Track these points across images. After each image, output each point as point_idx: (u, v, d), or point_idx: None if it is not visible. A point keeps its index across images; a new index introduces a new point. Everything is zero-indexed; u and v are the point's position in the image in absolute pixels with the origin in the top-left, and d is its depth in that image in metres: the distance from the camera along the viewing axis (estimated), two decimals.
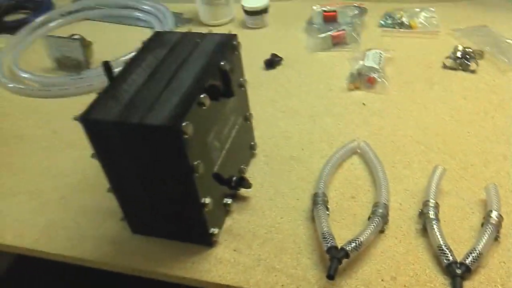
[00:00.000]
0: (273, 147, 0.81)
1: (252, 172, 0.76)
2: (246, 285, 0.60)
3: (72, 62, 1.07)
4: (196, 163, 0.57)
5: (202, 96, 0.57)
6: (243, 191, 0.72)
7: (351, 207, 0.68)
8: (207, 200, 0.61)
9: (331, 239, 0.61)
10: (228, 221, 0.69)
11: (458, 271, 0.57)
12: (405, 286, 0.58)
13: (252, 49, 1.06)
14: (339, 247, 0.59)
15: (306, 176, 0.74)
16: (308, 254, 0.63)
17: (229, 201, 0.69)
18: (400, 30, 1.05)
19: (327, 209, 0.67)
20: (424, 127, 0.80)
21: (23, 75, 1.06)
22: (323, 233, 0.62)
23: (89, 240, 0.69)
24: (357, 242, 0.59)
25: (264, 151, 0.80)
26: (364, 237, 0.60)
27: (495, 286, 0.57)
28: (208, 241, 0.65)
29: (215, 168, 0.63)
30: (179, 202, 0.61)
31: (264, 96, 0.92)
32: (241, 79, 0.70)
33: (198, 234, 0.65)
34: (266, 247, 0.65)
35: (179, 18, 1.25)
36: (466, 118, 0.81)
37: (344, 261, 0.60)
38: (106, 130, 0.56)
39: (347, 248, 0.59)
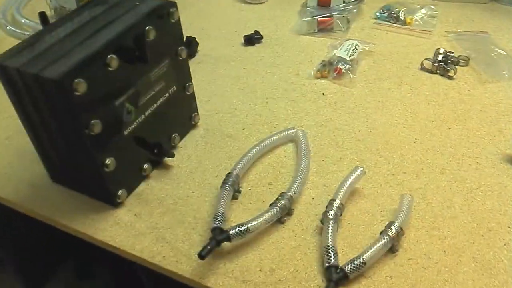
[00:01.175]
0: (216, 122, 0.80)
1: (185, 143, 0.76)
2: (130, 250, 0.61)
3: (66, 12, 1.10)
4: (92, 122, 0.57)
5: (109, 56, 0.57)
6: (168, 159, 0.72)
7: (264, 193, 0.67)
8: (108, 161, 0.61)
9: (220, 220, 0.59)
10: (142, 186, 0.69)
11: (334, 276, 0.54)
12: (280, 280, 0.56)
13: (241, 24, 1.05)
14: (224, 229, 0.58)
15: (235, 156, 0.73)
16: (201, 231, 0.62)
17: (145, 165, 0.69)
18: (394, 24, 1.00)
19: (237, 190, 0.66)
20: (372, 127, 0.76)
21: (21, 20, 1.11)
22: (216, 213, 0.61)
23: (13, 181, 0.72)
24: (243, 228, 0.58)
25: (206, 124, 0.79)
26: (252, 224, 0.59)
27: None
28: (111, 201, 0.66)
29: (125, 131, 0.64)
30: (79, 158, 0.62)
31: (231, 70, 0.91)
32: (179, 48, 0.70)
33: (102, 193, 0.66)
34: (165, 217, 0.65)
35: None
36: (421, 124, 0.76)
37: (232, 244, 0.60)
38: (11, 76, 0.58)
39: (230, 232, 0.58)
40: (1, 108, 0.85)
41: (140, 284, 0.91)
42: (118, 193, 0.65)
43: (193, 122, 0.78)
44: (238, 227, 0.58)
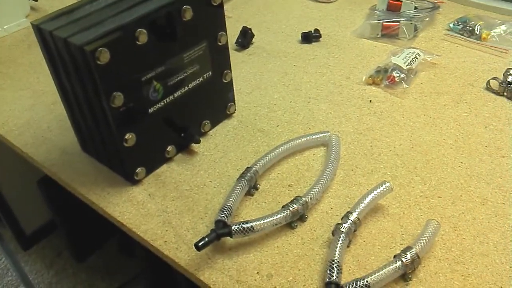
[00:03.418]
0: (252, 115, 0.77)
1: (216, 131, 0.74)
2: (135, 229, 0.60)
3: None
4: (114, 94, 0.57)
5: (138, 30, 0.57)
6: (195, 145, 0.71)
7: (281, 194, 0.63)
8: (128, 136, 0.61)
9: (226, 214, 0.57)
10: (164, 167, 0.68)
11: None
12: (275, 287, 0.53)
13: (303, 21, 1.02)
14: (227, 224, 0.56)
15: (261, 151, 0.70)
16: (208, 223, 0.60)
17: (169, 148, 0.68)
18: (467, 38, 0.91)
19: (254, 187, 0.63)
20: (415, 143, 0.70)
21: None
22: (223, 206, 0.58)
23: (47, 145, 0.74)
24: (246, 225, 0.55)
25: (242, 116, 0.77)
26: (257, 223, 0.55)
27: None
28: (129, 178, 0.65)
29: (150, 109, 0.63)
30: (101, 130, 0.62)
31: (280, 66, 0.88)
32: (219, 33, 0.68)
33: (121, 168, 0.66)
34: (177, 202, 0.63)
35: None
36: (471, 148, 0.68)
37: (235, 241, 0.57)
38: (46, 39, 0.59)
39: (233, 228, 0.55)
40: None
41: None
42: (136, 171, 0.65)
43: (228, 112, 0.76)
44: (242, 223, 0.55)
